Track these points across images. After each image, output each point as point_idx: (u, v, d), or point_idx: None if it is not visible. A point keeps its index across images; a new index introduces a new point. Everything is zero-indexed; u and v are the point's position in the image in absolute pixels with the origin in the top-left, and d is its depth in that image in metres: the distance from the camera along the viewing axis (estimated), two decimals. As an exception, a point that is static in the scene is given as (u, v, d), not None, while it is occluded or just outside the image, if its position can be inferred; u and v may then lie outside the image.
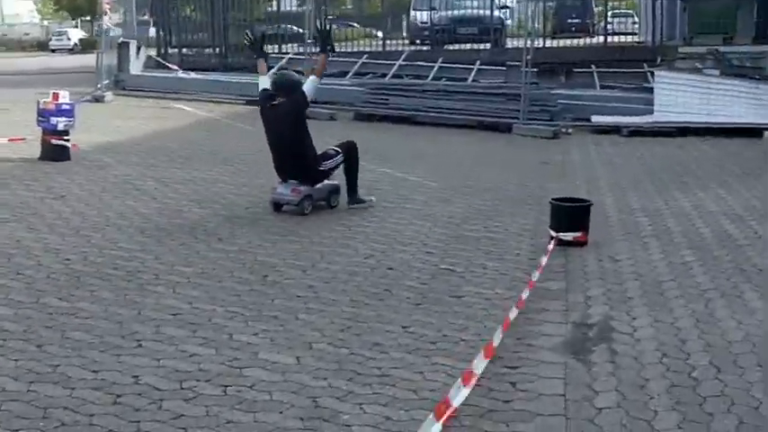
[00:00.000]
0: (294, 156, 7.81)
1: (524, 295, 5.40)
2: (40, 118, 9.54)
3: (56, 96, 9.47)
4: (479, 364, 4.23)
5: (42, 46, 51.40)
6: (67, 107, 9.58)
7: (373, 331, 4.89)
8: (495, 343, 4.54)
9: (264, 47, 9.01)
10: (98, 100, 16.06)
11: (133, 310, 5.07)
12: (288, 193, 7.78)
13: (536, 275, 5.89)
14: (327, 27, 8.73)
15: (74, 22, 57.31)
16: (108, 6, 17.10)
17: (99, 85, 16.54)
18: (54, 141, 9.47)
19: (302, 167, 7.83)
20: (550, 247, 6.73)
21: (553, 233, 7.00)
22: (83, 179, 8.77)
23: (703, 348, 4.72)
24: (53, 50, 48.34)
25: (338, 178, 8.23)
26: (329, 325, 4.95)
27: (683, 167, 11.25)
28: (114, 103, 16.13)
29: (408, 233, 7.22)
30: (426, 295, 5.60)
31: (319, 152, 8.01)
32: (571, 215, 7.11)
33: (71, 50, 47.18)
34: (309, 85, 7.91)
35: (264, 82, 8.13)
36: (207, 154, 10.80)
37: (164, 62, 19.32)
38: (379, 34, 26.30)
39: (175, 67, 19.08)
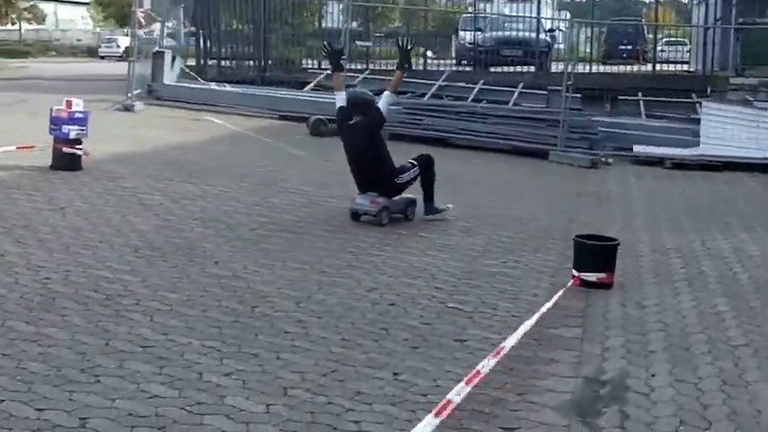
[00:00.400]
0: (372, 170, 8.14)
1: (507, 344, 4.84)
2: (52, 126, 9.24)
3: (68, 104, 9.16)
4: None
5: (92, 52, 51.84)
6: (80, 115, 9.26)
7: (359, 377, 4.42)
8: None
9: (341, 60, 9.32)
10: (128, 109, 15.84)
11: (102, 339, 4.65)
12: (366, 203, 8.09)
13: (533, 319, 5.35)
14: (408, 46, 8.99)
15: (124, 29, 57.83)
16: (142, 15, 16.90)
17: (129, 95, 16.32)
18: (65, 150, 9.17)
19: (380, 181, 8.13)
20: (569, 285, 6.24)
21: (575, 273, 6.49)
22: (88, 191, 8.43)
23: (727, 417, 4.19)
24: (102, 57, 48.70)
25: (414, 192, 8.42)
26: (312, 367, 4.49)
27: (727, 205, 10.63)
28: (144, 113, 15.88)
29: (420, 265, 6.74)
30: (427, 338, 5.12)
31: (397, 166, 8.32)
32: (596, 254, 6.58)
33: (120, 58, 47.46)
34: (384, 101, 8.32)
35: (341, 100, 8.35)
36: (225, 169, 10.43)
37: (192, 74, 19.06)
38: (429, 53, 25.90)
39: (202, 81, 18.84)
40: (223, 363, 4.45)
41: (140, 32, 17.16)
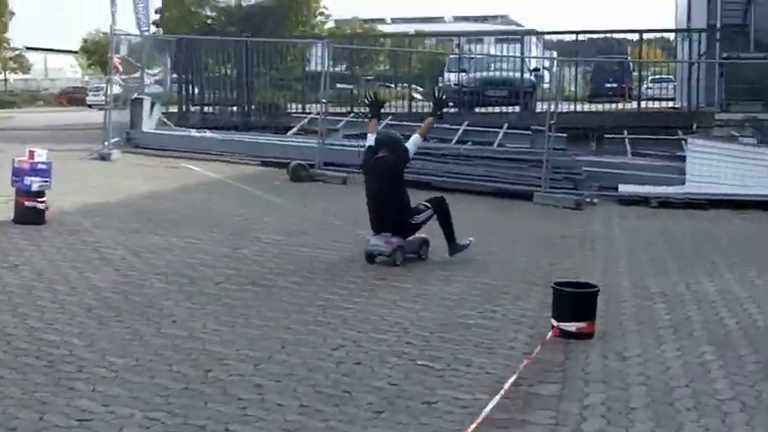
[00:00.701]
0: (391, 208, 8.34)
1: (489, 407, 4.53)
2: (14, 177, 8.93)
3: (31, 155, 8.86)
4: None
5: (80, 101, 51.75)
6: (43, 167, 8.94)
7: (314, 449, 4.08)
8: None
9: (381, 109, 9.68)
10: (104, 158, 15.54)
11: (36, 412, 4.30)
12: (381, 244, 8.23)
13: (511, 380, 5.03)
14: (442, 96, 9.84)
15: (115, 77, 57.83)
16: (118, 61, 16.69)
17: (106, 143, 16.04)
18: (27, 203, 8.84)
19: (396, 220, 8.32)
20: (548, 336, 5.91)
21: (554, 323, 6.17)
22: (49, 245, 8.10)
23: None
24: (90, 106, 48.55)
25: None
26: (264, 439, 4.15)
27: (712, 244, 10.33)
28: (121, 162, 15.59)
29: (391, 318, 6.41)
30: (393, 401, 4.77)
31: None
32: (575, 303, 6.25)
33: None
34: (412, 143, 8.66)
35: (370, 140, 8.73)
36: (196, 218, 10.11)
37: (167, 121, 18.82)
38: (416, 95, 25.74)
39: (175, 128, 18.63)
40: (165, 438, 4.11)
41: (117, 78, 16.92)
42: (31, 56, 57.76)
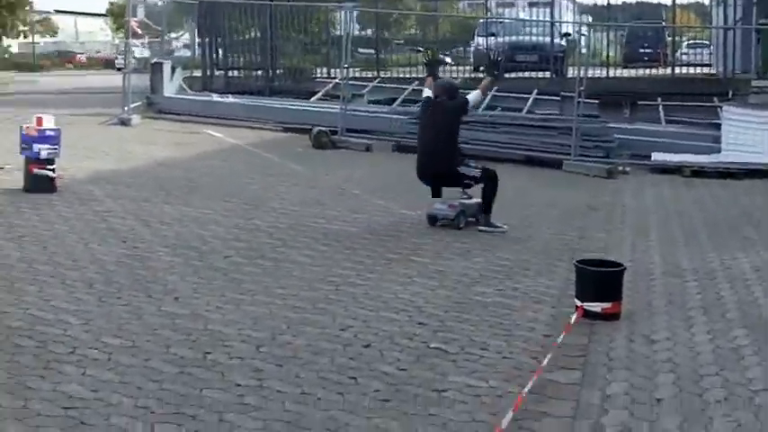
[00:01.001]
0: (442, 152, 8.36)
1: (524, 391, 4.24)
2: (22, 145, 8.67)
3: (39, 121, 8.59)
4: None
5: (110, 64, 51.61)
6: (52, 133, 8.66)
7: (312, 443, 3.79)
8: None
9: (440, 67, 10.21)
10: (124, 123, 15.30)
11: (20, 399, 4.05)
12: (444, 208, 8.39)
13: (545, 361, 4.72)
14: (498, 58, 10.32)
15: (144, 40, 57.64)
16: (136, 24, 16.38)
17: (126, 108, 15.79)
18: (36, 171, 8.60)
19: (445, 164, 8.37)
20: (572, 320, 5.56)
21: (578, 302, 5.83)
22: (56, 215, 7.86)
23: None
24: (119, 69, 48.39)
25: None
26: None
27: (747, 217, 9.89)
28: (140, 127, 15.34)
29: (405, 296, 6.10)
30: (400, 388, 4.47)
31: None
32: (600, 282, 5.91)
33: (142, 70, 47.10)
34: (473, 95, 8.86)
35: (427, 92, 8.96)
36: (211, 187, 9.82)
37: (184, 86, 18.52)
38: (447, 59, 25.25)
39: (191, 92, 18.34)
40: (154, 430, 3.83)
41: (136, 42, 16.63)
42: (59, 19, 57.56)
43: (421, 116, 9.03)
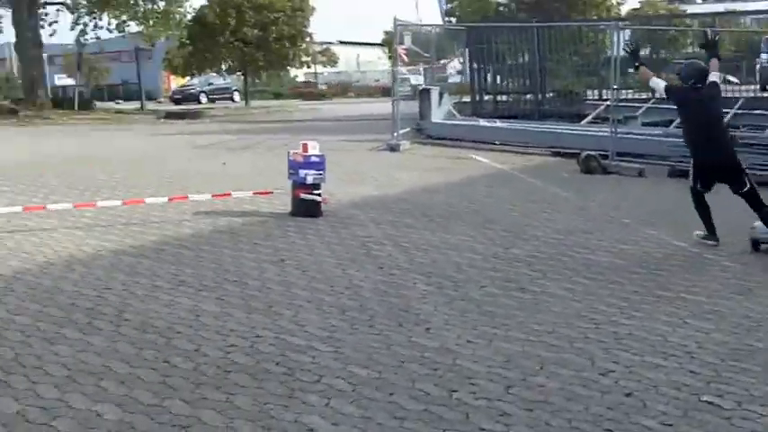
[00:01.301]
0: (721, 137, 8.19)
1: None
2: (290, 170, 8.96)
3: (305, 147, 8.83)
4: None
5: (387, 92, 53.61)
6: (317, 159, 8.88)
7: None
8: None
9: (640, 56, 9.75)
10: (393, 149, 15.60)
11: (261, 427, 3.99)
12: None
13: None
14: (715, 37, 10.54)
15: (418, 68, 59.37)
16: (404, 52, 16.65)
17: (395, 134, 16.08)
18: (302, 195, 8.84)
19: (731, 152, 8.18)
20: None
21: None
22: (318, 239, 7.99)
23: None
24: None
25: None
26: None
27: None
28: (408, 153, 15.56)
29: (674, 339, 5.50)
30: (662, 446, 3.97)
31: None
32: None
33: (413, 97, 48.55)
34: (713, 77, 8.41)
35: (659, 82, 8.69)
36: (472, 213, 9.64)
37: (454, 111, 18.54)
38: (731, 78, 23.68)
39: (460, 117, 18.28)
40: (388, 473, 3.62)
41: (402, 69, 16.92)
42: (341, 50, 60.62)
43: (686, 101, 8.39)
